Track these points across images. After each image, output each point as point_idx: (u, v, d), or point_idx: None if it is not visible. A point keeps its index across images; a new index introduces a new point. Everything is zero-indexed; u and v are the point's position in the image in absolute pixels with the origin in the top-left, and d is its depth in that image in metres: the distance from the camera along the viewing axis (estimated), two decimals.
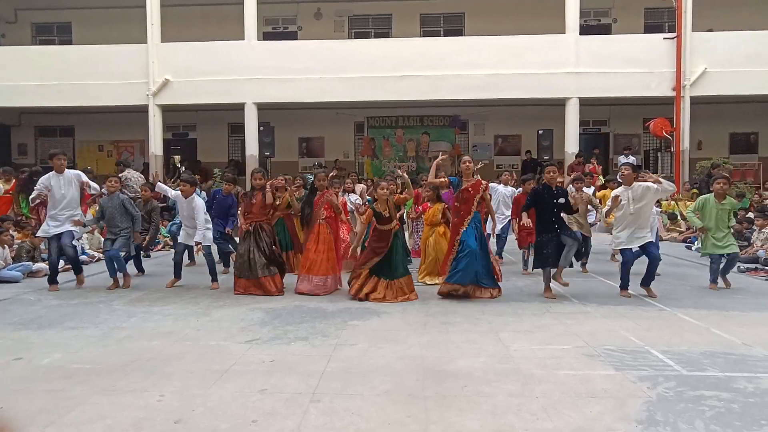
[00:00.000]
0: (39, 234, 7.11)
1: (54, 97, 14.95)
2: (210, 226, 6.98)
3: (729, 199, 6.58)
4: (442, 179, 6.42)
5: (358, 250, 6.93)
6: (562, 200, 6.14)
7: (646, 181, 6.09)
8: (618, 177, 6.70)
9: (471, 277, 5.96)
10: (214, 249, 7.43)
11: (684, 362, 3.89)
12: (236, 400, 3.25)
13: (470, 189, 6.12)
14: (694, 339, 4.47)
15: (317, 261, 6.32)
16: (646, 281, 6.12)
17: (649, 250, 6.05)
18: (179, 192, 6.88)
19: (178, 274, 6.91)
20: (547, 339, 4.49)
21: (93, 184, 6.96)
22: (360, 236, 6.90)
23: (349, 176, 10.15)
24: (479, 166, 6.85)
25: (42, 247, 8.47)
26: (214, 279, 6.90)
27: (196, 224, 6.76)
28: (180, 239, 6.99)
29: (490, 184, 8.69)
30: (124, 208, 6.84)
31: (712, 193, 6.55)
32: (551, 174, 6.16)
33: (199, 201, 6.87)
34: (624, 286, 6.22)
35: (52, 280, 6.75)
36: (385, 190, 6.16)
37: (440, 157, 6.52)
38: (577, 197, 6.65)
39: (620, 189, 6.19)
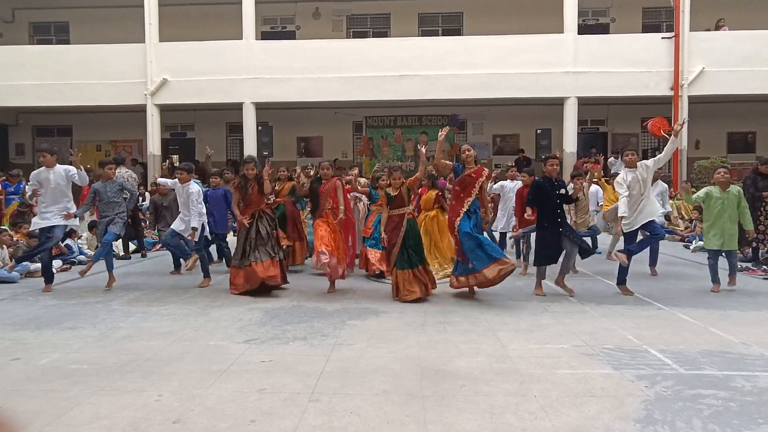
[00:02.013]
0: (31, 228, 7.13)
1: (52, 97, 14.94)
2: (203, 215, 6.96)
3: (733, 187, 6.40)
4: (448, 163, 6.27)
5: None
6: (562, 191, 6.15)
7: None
8: (621, 161, 6.67)
9: (481, 263, 5.75)
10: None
11: (682, 361, 3.90)
12: (235, 400, 3.25)
13: (473, 174, 6.01)
14: (692, 338, 4.48)
15: (327, 237, 6.31)
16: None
17: (652, 226, 6.08)
18: (176, 180, 6.94)
19: (177, 264, 7.06)
20: (546, 338, 4.49)
21: (82, 175, 6.72)
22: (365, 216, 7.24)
23: (351, 169, 10.24)
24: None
25: None
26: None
27: (188, 213, 6.80)
28: (173, 226, 6.97)
29: (500, 182, 8.75)
30: (121, 191, 6.89)
31: (714, 186, 6.45)
32: (554, 166, 6.17)
33: (194, 187, 6.88)
34: (622, 280, 6.23)
35: (47, 280, 6.72)
36: (398, 180, 6.10)
37: (443, 132, 6.00)
38: (578, 186, 6.68)
39: (629, 174, 6.10)
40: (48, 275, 6.73)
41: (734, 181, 13.50)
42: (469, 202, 5.95)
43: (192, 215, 6.74)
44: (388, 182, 6.20)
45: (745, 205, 6.39)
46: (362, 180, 9.38)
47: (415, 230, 6.20)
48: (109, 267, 6.80)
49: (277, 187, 7.82)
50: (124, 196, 7.06)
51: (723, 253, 6.46)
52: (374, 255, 7.22)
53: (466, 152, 6.11)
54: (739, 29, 14.36)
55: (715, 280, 6.44)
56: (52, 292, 6.58)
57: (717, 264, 6.46)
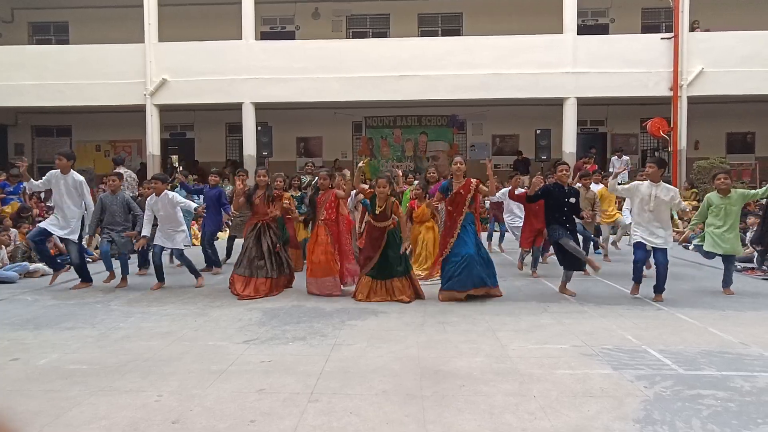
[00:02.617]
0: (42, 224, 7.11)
1: (51, 97, 14.91)
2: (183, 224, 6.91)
3: (735, 191, 6.26)
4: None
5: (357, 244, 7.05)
6: (573, 200, 6.11)
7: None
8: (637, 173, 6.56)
9: (472, 282, 5.83)
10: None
11: (681, 361, 3.90)
12: (234, 400, 3.25)
13: (461, 191, 5.97)
14: (691, 338, 4.49)
15: (320, 263, 6.20)
16: (658, 288, 5.93)
17: (656, 255, 5.92)
18: (153, 194, 6.75)
19: (161, 277, 6.83)
20: (545, 338, 4.49)
21: (88, 202, 6.79)
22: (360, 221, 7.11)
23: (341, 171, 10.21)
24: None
25: None
26: (197, 275, 6.93)
27: (173, 224, 6.72)
28: (156, 241, 6.78)
29: (503, 190, 8.66)
30: (127, 208, 6.81)
31: (715, 191, 6.37)
32: (564, 172, 6.12)
33: (172, 193, 6.79)
34: (637, 280, 6.08)
35: (84, 279, 6.82)
36: (384, 189, 5.99)
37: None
38: (582, 193, 6.63)
39: (645, 184, 5.98)
40: (83, 274, 6.81)
41: (734, 180, 13.52)
42: (462, 219, 5.94)
43: (188, 208, 6.78)
44: (374, 188, 6.12)
45: (753, 193, 6.30)
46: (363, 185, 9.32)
47: (396, 243, 6.02)
48: (123, 268, 6.84)
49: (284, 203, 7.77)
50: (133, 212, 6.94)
51: (721, 257, 6.39)
52: None
53: (458, 165, 6.04)
54: (739, 29, 14.36)
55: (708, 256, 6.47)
56: (52, 292, 6.58)
57: (704, 255, 6.47)
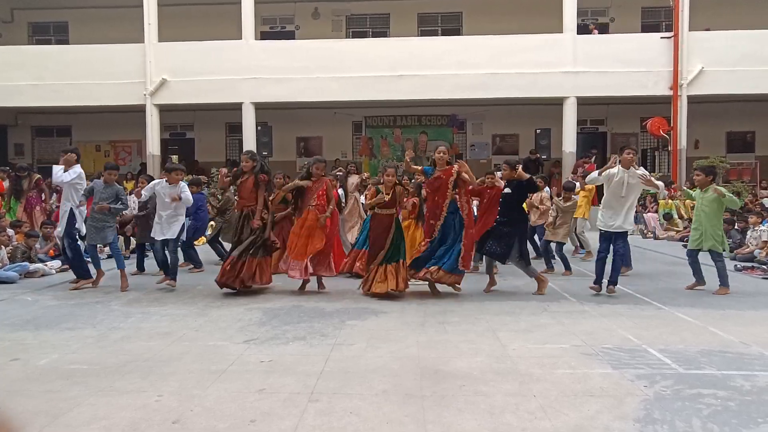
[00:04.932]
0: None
1: (51, 97, 14.92)
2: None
3: (711, 188, 6.30)
4: (417, 167, 6.47)
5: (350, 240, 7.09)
6: (508, 190, 6.32)
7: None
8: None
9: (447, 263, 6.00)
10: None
11: (681, 361, 3.91)
12: (234, 401, 3.25)
13: (442, 175, 6.11)
14: (691, 337, 4.49)
15: (296, 245, 6.29)
16: (612, 279, 6.09)
17: (616, 244, 6.17)
18: (162, 181, 6.84)
19: (172, 272, 6.85)
20: (545, 338, 4.49)
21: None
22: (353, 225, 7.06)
23: (347, 167, 10.33)
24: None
25: (37, 246, 8.45)
26: (174, 275, 6.89)
27: (174, 215, 6.76)
28: (155, 235, 6.84)
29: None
30: (117, 199, 6.79)
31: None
32: (505, 171, 6.40)
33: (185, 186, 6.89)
34: (597, 281, 6.22)
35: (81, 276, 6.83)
36: (391, 177, 6.24)
37: (408, 154, 6.74)
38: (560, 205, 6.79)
39: (620, 172, 6.15)
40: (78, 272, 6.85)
41: (733, 180, 13.52)
42: (447, 204, 6.06)
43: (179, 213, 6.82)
44: (381, 180, 6.35)
45: (728, 199, 6.27)
46: (354, 177, 9.38)
47: (401, 229, 6.36)
48: (121, 266, 6.83)
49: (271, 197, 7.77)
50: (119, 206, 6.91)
51: (709, 254, 6.40)
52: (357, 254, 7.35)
53: (440, 153, 6.21)
54: (739, 28, 14.35)
55: (698, 279, 6.43)
56: (52, 292, 6.58)
57: (697, 262, 6.42)
